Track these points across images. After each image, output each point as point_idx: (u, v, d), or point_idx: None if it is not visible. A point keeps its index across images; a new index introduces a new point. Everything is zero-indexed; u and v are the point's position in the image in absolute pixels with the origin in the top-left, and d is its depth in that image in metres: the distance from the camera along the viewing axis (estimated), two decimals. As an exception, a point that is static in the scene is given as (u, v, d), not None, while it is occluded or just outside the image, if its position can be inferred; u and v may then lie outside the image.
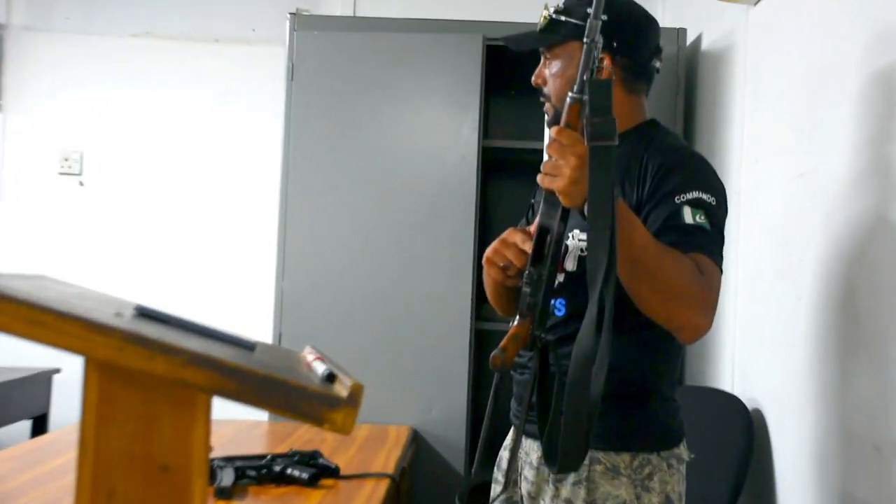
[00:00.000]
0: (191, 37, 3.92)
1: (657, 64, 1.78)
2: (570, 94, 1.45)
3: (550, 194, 1.47)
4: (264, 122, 3.79)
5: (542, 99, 1.79)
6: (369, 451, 2.63)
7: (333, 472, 2.23)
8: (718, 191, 1.65)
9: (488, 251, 1.61)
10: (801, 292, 2.16)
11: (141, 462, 1.02)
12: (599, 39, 1.43)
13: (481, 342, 3.31)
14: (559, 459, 1.38)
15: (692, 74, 3.24)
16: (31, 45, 3.92)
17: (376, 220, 3.18)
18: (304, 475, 2.15)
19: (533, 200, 1.98)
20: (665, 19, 3.69)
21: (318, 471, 2.19)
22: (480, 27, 3.19)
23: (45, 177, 3.89)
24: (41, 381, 3.44)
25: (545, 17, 1.71)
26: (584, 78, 1.43)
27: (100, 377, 1.01)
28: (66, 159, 3.87)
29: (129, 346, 0.97)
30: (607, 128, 1.37)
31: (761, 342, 2.47)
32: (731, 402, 2.52)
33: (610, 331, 1.35)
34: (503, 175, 3.76)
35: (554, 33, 1.71)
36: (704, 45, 3.18)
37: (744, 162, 2.67)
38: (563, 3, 1.74)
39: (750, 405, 2.46)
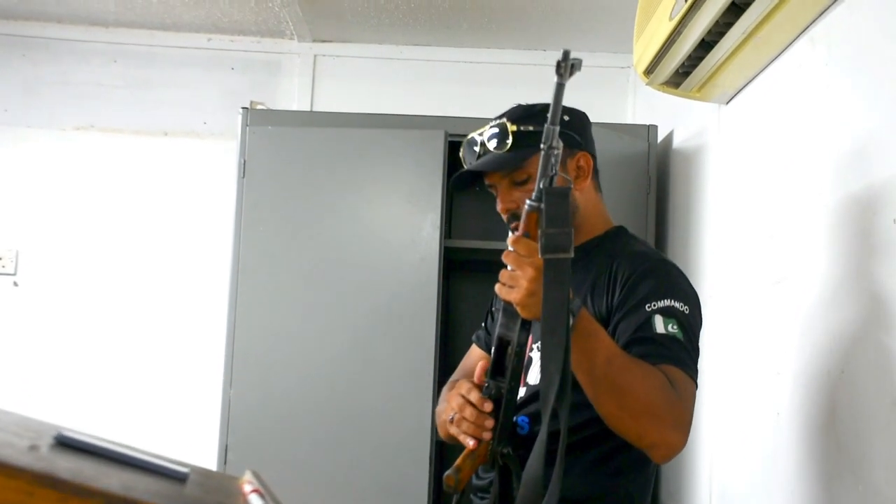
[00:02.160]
0: (138, 130, 3.92)
1: None
2: (528, 202, 1.46)
3: (509, 305, 1.47)
4: (214, 218, 3.77)
5: (514, 224, 1.74)
6: (320, 579, 2.54)
7: None
8: (691, 298, 1.65)
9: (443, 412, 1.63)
10: (780, 407, 2.14)
11: None
12: (558, 146, 1.44)
13: (443, 455, 3.25)
14: None
15: (664, 172, 3.28)
16: (-35, 138, 3.90)
17: (331, 324, 3.15)
18: None
19: (493, 308, 1.97)
20: (636, 115, 3.75)
21: None
22: (443, 122, 3.22)
23: (-25, 277, 3.83)
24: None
25: (512, 133, 1.70)
26: (542, 185, 1.43)
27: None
28: (0, 259, 3.81)
29: (40, 489, 0.92)
30: (563, 240, 1.37)
31: (740, 460, 2.44)
32: (709, 524, 2.48)
33: (563, 456, 1.34)
34: (467, 275, 3.75)
35: (527, 147, 1.69)
36: (676, 142, 3.23)
37: (718, 266, 2.67)
38: (519, 114, 1.75)
39: (731, 526, 2.42)
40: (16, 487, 0.91)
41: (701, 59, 2.37)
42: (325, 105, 3.92)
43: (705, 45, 2.28)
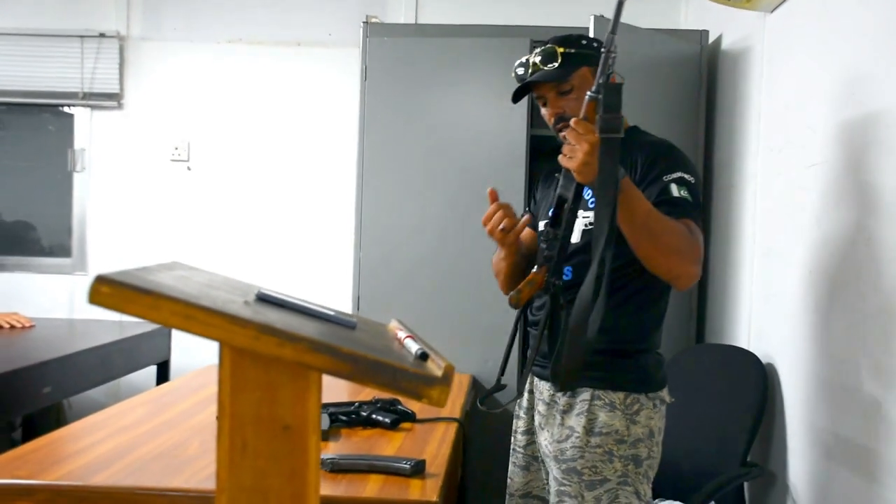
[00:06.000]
0: (276, 41, 3.94)
1: None
2: (588, 92, 1.56)
3: (567, 171, 1.60)
4: (340, 113, 3.82)
5: (559, 126, 1.79)
6: (437, 397, 2.66)
7: (411, 417, 2.26)
8: (695, 172, 1.76)
9: (488, 227, 1.83)
10: (813, 266, 2.14)
11: (267, 422, 1.05)
12: (615, 50, 1.52)
13: (526, 304, 3.31)
14: (562, 380, 1.60)
15: (713, 72, 3.19)
16: (146, 53, 3.96)
17: (438, 199, 3.20)
18: (387, 420, 2.19)
19: (535, 195, 2.04)
20: (688, 21, 3.62)
21: (398, 416, 2.23)
22: (527, 31, 3.16)
23: (159, 164, 3.96)
24: (163, 333, 3.52)
25: (560, 54, 1.75)
26: (601, 81, 1.52)
27: (232, 354, 1.05)
28: (177, 148, 3.93)
29: (264, 336, 1.00)
30: (616, 123, 1.49)
31: (776, 307, 2.46)
32: (747, 358, 2.52)
33: (607, 286, 1.49)
34: (548, 158, 3.73)
35: (571, 65, 1.76)
36: (724, 45, 3.12)
37: (760, 150, 2.63)
38: (564, 40, 1.78)
39: (764, 360, 2.45)
40: (245, 334, 0.99)
41: (753, -26, 2.28)
42: (427, 16, 3.87)
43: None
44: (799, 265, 2.23)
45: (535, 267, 1.66)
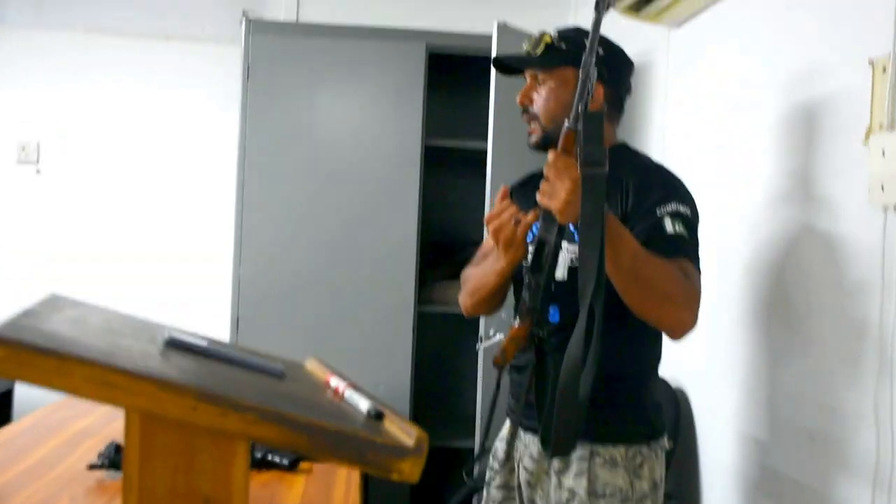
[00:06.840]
0: (142, 33, 3.62)
1: (627, 100, 1.75)
2: (566, 123, 1.41)
3: (547, 212, 1.43)
4: (213, 115, 3.54)
5: (524, 117, 1.70)
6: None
7: (309, 456, 2.09)
8: (691, 202, 1.62)
9: (494, 224, 1.51)
10: (732, 291, 2.12)
11: (183, 496, 0.89)
12: (594, 74, 1.39)
13: (423, 324, 3.20)
14: (552, 448, 1.42)
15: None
16: (-12, 39, 3.55)
17: (328, 212, 3.03)
18: (285, 461, 2.01)
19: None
20: (581, 32, 3.61)
21: (297, 456, 2.05)
22: (423, 36, 3.05)
23: (3, 165, 3.54)
24: (4, 359, 3.13)
25: (546, 42, 1.64)
26: (579, 110, 1.38)
27: (141, 418, 0.87)
28: (24, 148, 3.53)
29: (203, 405, 0.83)
30: (599, 156, 1.34)
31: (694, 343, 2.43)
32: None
33: (598, 340, 1.33)
34: (443, 167, 3.59)
35: (552, 58, 1.64)
36: (622, 58, 3.11)
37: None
38: (560, 31, 1.68)
39: (673, 384, 2.43)
40: (182, 404, 0.83)
41: (666, -10, 2.26)
42: (309, 13, 3.65)
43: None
44: (715, 290, 2.21)
45: (517, 321, 1.49)
